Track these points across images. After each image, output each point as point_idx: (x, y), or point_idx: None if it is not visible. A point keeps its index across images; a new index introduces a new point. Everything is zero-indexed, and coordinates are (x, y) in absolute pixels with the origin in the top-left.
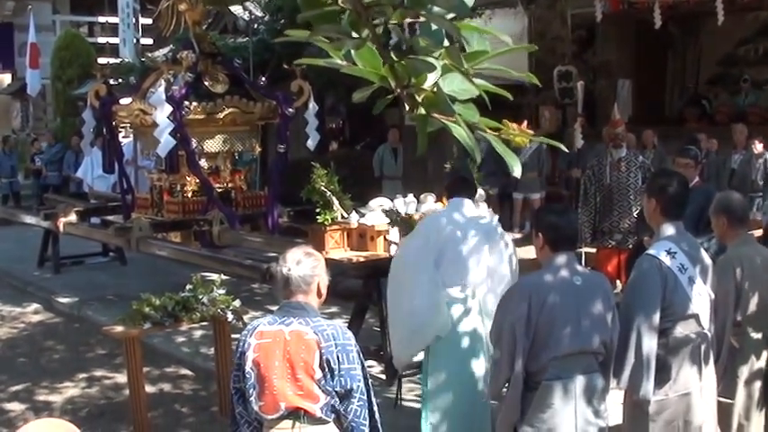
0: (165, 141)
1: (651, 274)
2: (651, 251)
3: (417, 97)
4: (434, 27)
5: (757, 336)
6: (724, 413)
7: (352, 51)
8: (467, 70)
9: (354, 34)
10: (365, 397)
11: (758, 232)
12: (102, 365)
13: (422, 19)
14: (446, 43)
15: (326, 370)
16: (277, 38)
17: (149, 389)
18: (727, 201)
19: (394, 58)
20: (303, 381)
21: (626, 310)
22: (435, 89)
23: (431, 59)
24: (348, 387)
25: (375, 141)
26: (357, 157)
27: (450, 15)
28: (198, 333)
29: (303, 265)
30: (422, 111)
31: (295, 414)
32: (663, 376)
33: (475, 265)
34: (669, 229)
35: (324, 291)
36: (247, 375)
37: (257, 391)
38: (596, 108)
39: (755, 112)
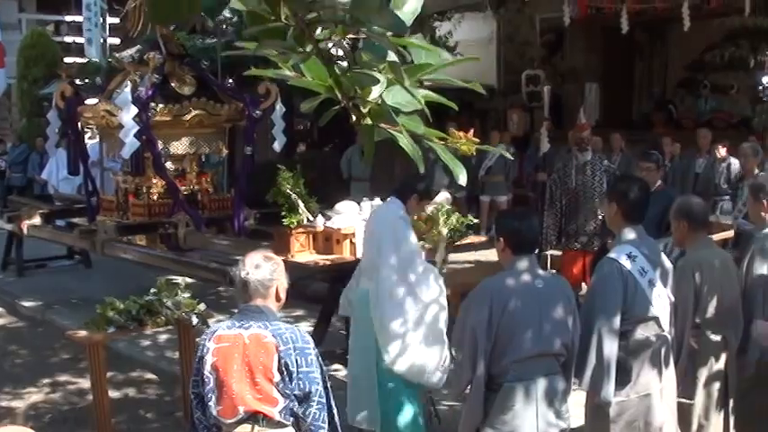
0: (130, 143)
1: (612, 278)
2: (612, 255)
3: (363, 109)
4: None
5: (716, 338)
6: (684, 414)
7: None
8: (409, 83)
9: (299, 49)
10: (324, 400)
11: (727, 234)
12: (66, 370)
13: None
14: (393, 57)
15: (285, 373)
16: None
17: (113, 394)
18: (688, 205)
19: (338, 71)
20: (262, 384)
21: (587, 313)
22: (380, 101)
23: (374, 73)
24: (306, 390)
25: (343, 143)
26: (325, 159)
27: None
28: (163, 337)
29: (262, 269)
30: (368, 121)
31: (254, 418)
32: (623, 378)
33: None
34: (630, 234)
35: (283, 295)
36: (206, 380)
37: (216, 396)
38: (564, 112)
39: (720, 117)
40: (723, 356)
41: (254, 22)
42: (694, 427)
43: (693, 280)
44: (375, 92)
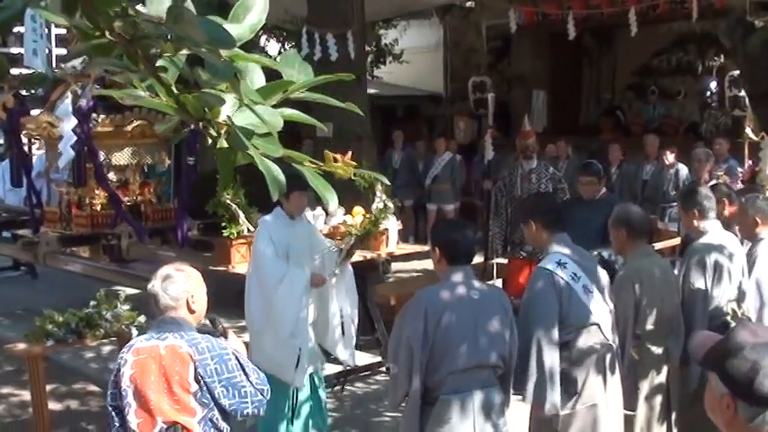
0: (66, 153)
1: (544, 287)
2: (541, 264)
3: (213, 131)
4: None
5: (657, 350)
6: (627, 425)
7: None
8: (253, 103)
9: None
10: (257, 402)
11: (674, 241)
12: (8, 382)
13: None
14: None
15: (202, 383)
16: None
17: (56, 406)
18: (626, 213)
19: (175, 91)
20: (179, 394)
21: (524, 325)
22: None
23: (218, 93)
24: (231, 396)
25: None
26: None
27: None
28: (107, 348)
29: (171, 280)
30: (223, 144)
31: (173, 429)
32: (569, 389)
33: None
34: (556, 243)
35: (196, 306)
36: (123, 392)
37: (134, 409)
38: (511, 119)
39: (669, 123)
40: (665, 369)
41: (84, 38)
42: None
43: (633, 290)
44: (224, 112)
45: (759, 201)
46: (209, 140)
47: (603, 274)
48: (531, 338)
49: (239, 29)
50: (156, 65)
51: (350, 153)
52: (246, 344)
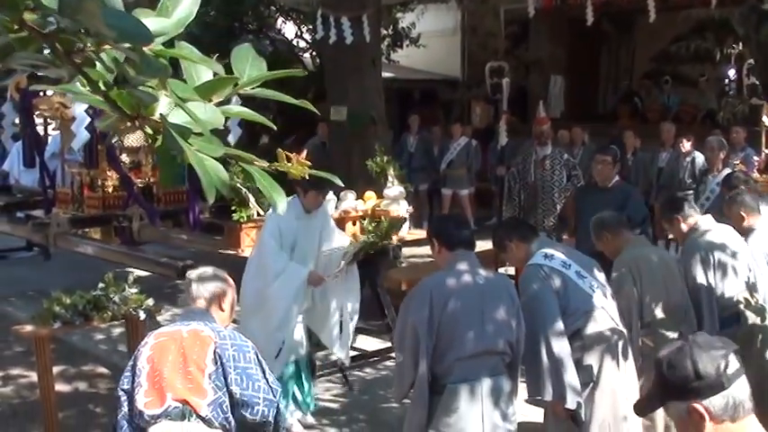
0: (80, 135)
1: (538, 284)
2: (530, 262)
3: (149, 129)
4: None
5: (673, 335)
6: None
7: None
8: (183, 100)
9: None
10: (270, 398)
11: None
12: (18, 364)
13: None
14: (206, 71)
15: (218, 364)
16: (207, 31)
17: (64, 388)
18: (599, 220)
19: (102, 87)
20: (193, 374)
21: (529, 323)
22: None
23: (151, 90)
24: (244, 386)
25: (306, 135)
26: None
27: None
28: (117, 330)
29: (209, 276)
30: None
31: (181, 413)
32: (585, 379)
33: None
34: (538, 245)
35: (225, 306)
36: (137, 372)
37: (144, 389)
38: (528, 104)
39: (686, 110)
40: None
41: (6, 31)
42: (659, 425)
43: (633, 280)
44: (160, 110)
45: (743, 196)
46: (149, 139)
47: (597, 267)
48: (539, 338)
49: (163, 23)
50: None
51: (304, 152)
52: (236, 321)
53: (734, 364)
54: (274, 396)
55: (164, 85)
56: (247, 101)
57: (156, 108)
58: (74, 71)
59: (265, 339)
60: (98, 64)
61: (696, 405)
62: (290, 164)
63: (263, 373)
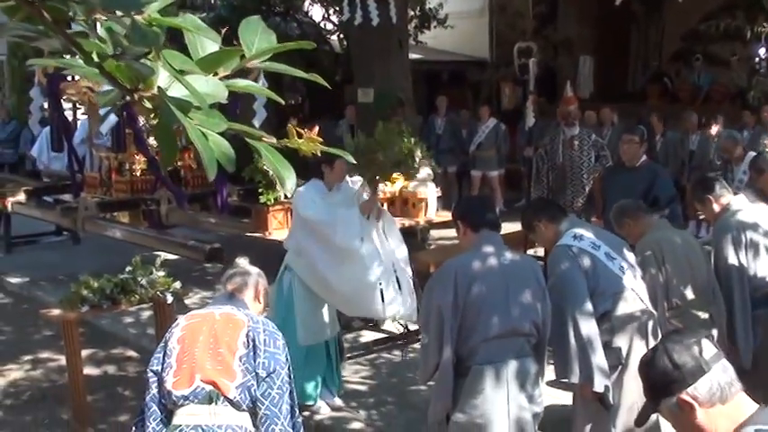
0: (108, 118)
1: (568, 265)
2: (559, 243)
3: (148, 104)
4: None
5: (703, 315)
6: None
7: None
8: (182, 73)
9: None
10: (286, 388)
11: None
12: (48, 347)
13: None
14: (210, 43)
15: (250, 347)
16: (234, 14)
17: (93, 371)
18: (618, 208)
19: (95, 59)
20: (224, 355)
21: (557, 305)
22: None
23: (147, 62)
24: (270, 369)
25: (335, 118)
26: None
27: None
28: (146, 314)
29: (253, 271)
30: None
31: (208, 396)
32: (614, 361)
33: None
34: (568, 225)
35: (262, 300)
36: (168, 353)
37: (173, 370)
38: (557, 85)
39: (717, 90)
40: (714, 333)
41: None
42: None
43: (655, 258)
44: (159, 83)
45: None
46: (150, 115)
47: (627, 248)
48: (567, 319)
49: None
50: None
51: (316, 128)
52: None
53: (709, 348)
54: (291, 393)
55: (158, 55)
56: (275, 83)
57: (154, 81)
58: (66, 42)
59: (364, 286)
60: (90, 34)
61: (683, 396)
62: (300, 140)
63: (288, 369)
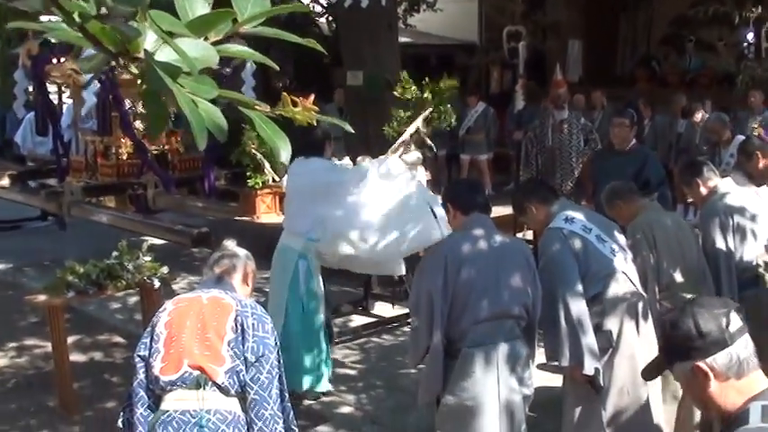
0: (88, 100)
1: (559, 247)
2: (550, 225)
3: (134, 69)
4: None
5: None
6: (667, 374)
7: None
8: (171, 35)
9: None
10: (275, 372)
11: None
12: (33, 334)
13: None
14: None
15: (239, 332)
16: None
17: (80, 357)
18: (610, 189)
19: (77, 20)
20: (212, 340)
21: (547, 287)
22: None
23: (134, 23)
24: (259, 354)
25: (323, 101)
26: None
27: None
28: (132, 299)
29: (241, 253)
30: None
31: (196, 381)
32: (604, 344)
33: None
34: (559, 208)
35: (249, 283)
36: (155, 338)
37: (161, 355)
38: (546, 69)
39: (705, 74)
40: None
41: None
42: (680, 392)
43: (646, 241)
44: (146, 46)
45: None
46: (138, 81)
47: (618, 230)
48: (557, 301)
49: None
50: None
51: (312, 97)
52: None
53: (736, 321)
54: (280, 378)
55: (145, 16)
56: (261, 67)
57: (141, 44)
58: (46, 1)
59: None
60: None
61: (700, 364)
62: (296, 108)
63: (277, 353)
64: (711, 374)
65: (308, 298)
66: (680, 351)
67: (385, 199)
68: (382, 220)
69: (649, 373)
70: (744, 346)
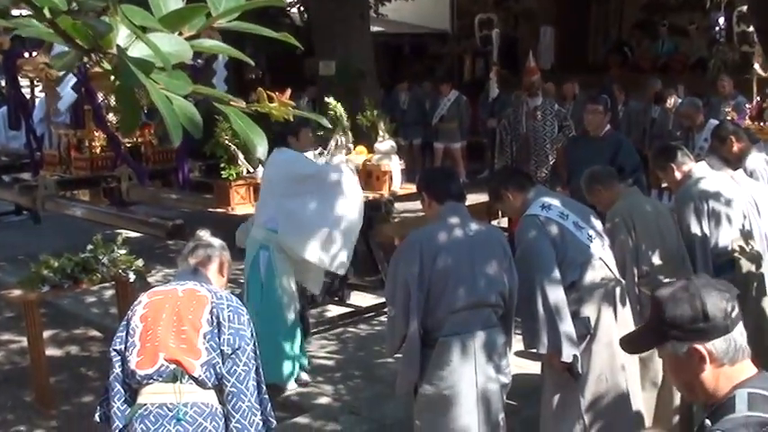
0: (66, 95)
1: (535, 233)
2: (527, 212)
3: (106, 65)
4: None
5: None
6: (645, 368)
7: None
8: (143, 30)
9: None
10: (252, 364)
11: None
12: (9, 329)
13: None
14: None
15: (214, 324)
16: None
17: (56, 352)
18: (590, 174)
19: (47, 15)
20: (187, 333)
21: (524, 276)
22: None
23: (105, 19)
24: (235, 346)
25: (296, 92)
26: None
27: None
28: (108, 293)
29: (215, 243)
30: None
31: (173, 374)
32: (581, 331)
33: None
34: (536, 195)
35: (225, 274)
36: (131, 331)
37: (137, 349)
38: (519, 56)
39: (678, 59)
40: None
41: None
42: (660, 378)
43: (628, 229)
44: (118, 42)
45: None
46: (111, 77)
47: (594, 216)
48: (534, 288)
49: None
50: None
51: (288, 92)
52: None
53: (736, 309)
54: (257, 370)
55: (116, 11)
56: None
57: (113, 39)
58: None
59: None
60: None
61: (698, 346)
62: (272, 104)
63: (254, 344)
64: (708, 358)
65: (272, 292)
66: (679, 331)
67: (344, 208)
68: (340, 229)
69: (633, 345)
70: (740, 333)
